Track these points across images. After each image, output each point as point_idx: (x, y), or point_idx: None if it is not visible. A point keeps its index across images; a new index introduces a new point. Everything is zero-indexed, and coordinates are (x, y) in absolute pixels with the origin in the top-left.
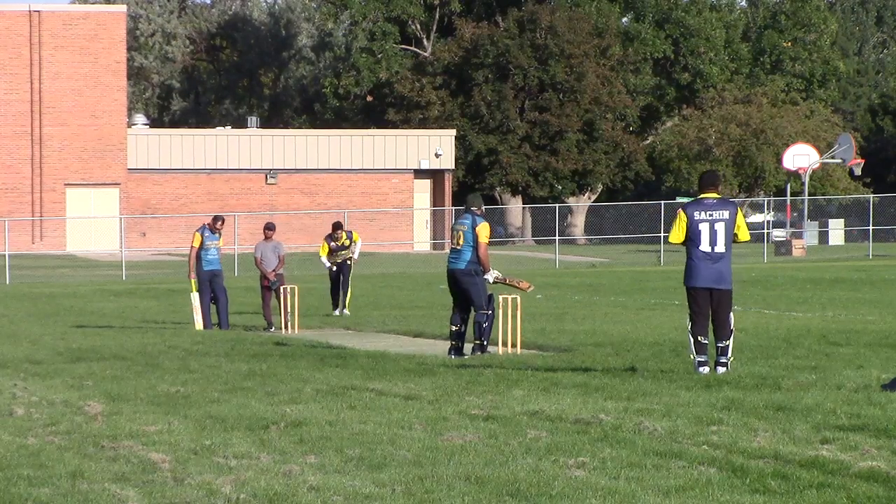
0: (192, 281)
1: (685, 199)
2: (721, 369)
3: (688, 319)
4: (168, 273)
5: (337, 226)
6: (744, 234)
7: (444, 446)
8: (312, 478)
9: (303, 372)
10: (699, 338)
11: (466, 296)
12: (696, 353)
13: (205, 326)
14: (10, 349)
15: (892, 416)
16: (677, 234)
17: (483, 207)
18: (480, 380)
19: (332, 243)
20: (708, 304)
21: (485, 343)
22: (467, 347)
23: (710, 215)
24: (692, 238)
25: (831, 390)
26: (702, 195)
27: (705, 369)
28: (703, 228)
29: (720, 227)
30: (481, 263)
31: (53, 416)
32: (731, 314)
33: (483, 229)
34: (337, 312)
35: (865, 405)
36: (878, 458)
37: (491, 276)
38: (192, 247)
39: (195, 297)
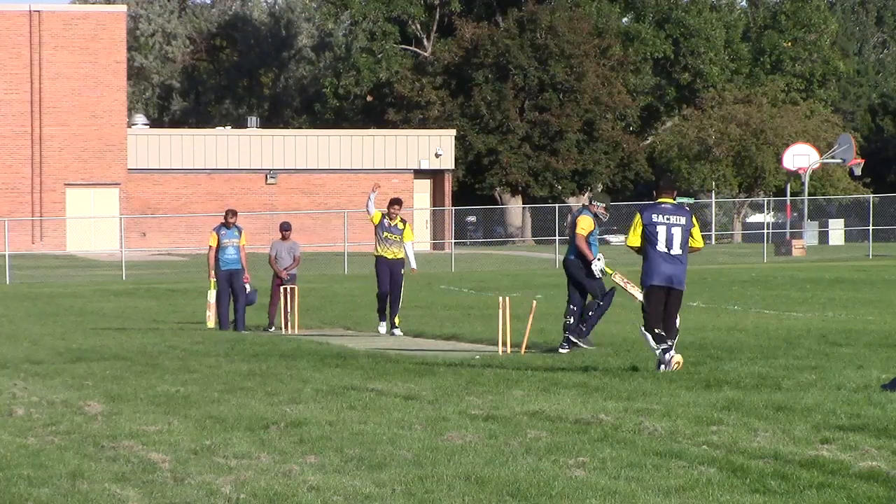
0: (212, 281)
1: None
2: (663, 367)
3: (642, 321)
4: (168, 273)
5: (396, 201)
6: (698, 242)
7: (444, 446)
8: (312, 478)
9: (303, 372)
10: (655, 330)
11: (581, 286)
12: (657, 343)
13: (221, 326)
14: (10, 349)
15: (892, 416)
16: (633, 237)
17: (604, 205)
18: (480, 380)
19: (386, 220)
20: (662, 303)
21: (583, 329)
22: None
23: (667, 219)
24: (649, 239)
25: (831, 390)
26: (659, 200)
27: (671, 353)
28: (660, 230)
29: (676, 231)
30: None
31: (53, 416)
32: (679, 316)
33: (581, 221)
34: (382, 330)
35: (865, 405)
36: (878, 458)
37: (596, 267)
38: (209, 247)
39: (212, 295)
